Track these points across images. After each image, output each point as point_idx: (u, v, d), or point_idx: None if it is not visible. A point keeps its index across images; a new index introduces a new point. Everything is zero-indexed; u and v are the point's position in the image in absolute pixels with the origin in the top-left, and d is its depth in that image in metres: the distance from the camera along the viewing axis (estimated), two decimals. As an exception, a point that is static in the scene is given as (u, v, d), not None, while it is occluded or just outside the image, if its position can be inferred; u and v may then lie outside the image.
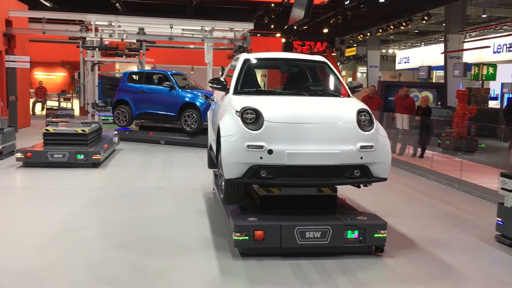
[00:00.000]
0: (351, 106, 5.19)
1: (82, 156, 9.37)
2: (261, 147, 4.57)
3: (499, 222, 5.66)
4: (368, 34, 26.84)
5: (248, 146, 4.58)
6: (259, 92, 5.74)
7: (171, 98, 12.84)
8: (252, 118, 4.73)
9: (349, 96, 5.76)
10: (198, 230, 5.71)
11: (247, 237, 4.67)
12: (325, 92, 5.91)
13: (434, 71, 29.19)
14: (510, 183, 5.46)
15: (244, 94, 5.47)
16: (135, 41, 16.29)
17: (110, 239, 5.34)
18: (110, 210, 6.56)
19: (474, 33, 24.44)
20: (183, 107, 12.60)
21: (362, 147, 4.73)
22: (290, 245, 4.76)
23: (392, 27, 23.49)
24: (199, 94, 12.62)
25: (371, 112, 5.03)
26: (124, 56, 16.94)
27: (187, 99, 12.61)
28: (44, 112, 20.00)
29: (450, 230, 6.14)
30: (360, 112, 4.96)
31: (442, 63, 22.98)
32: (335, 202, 5.47)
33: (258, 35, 28.10)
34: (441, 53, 23.05)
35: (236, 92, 5.58)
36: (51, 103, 21.40)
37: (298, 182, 4.77)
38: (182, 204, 6.96)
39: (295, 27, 27.44)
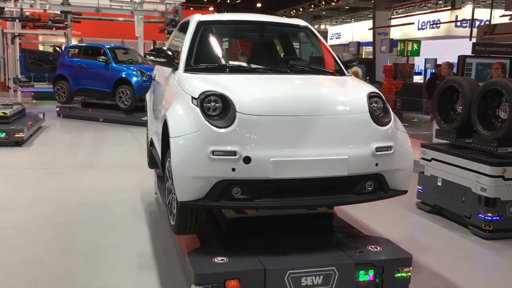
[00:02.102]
0: (356, 88, 3.81)
1: (3, 134, 8.86)
2: (234, 153, 3.09)
3: (419, 190, 6.03)
4: (301, 9, 27.13)
5: (213, 152, 3.09)
6: (221, 68, 4.07)
7: (106, 73, 12.43)
8: (218, 109, 3.24)
9: (343, 73, 4.29)
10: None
11: None
12: (315, 69, 4.35)
13: (364, 47, 30.11)
14: (429, 153, 5.82)
15: (201, 72, 3.89)
16: (59, 12, 15.43)
17: (36, 220, 5.13)
18: (36, 189, 6.29)
19: (401, 10, 25.36)
20: (117, 82, 12.19)
21: (378, 149, 3.36)
22: None
23: (323, 2, 23.87)
24: (134, 69, 12.23)
25: (383, 97, 3.69)
26: (54, 29, 16.02)
27: (121, 74, 12.19)
28: (-41, 88, 18.62)
29: (376, 199, 6.47)
30: (371, 97, 3.58)
31: (371, 39, 23.73)
32: (331, 222, 4.04)
33: (191, 8, 27.53)
34: (369, 29, 23.77)
35: (189, 69, 3.96)
36: (-32, 78, 19.94)
37: (289, 204, 3.32)
38: (114, 183, 6.81)
39: (228, 1, 27.18)
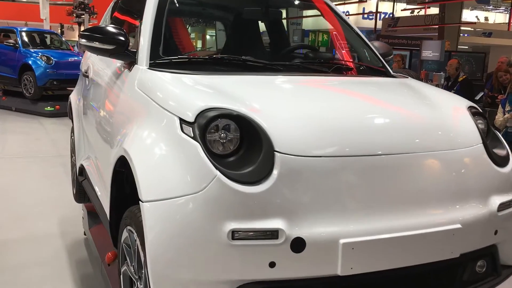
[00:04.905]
0: (447, 100, 2.45)
1: None
2: (274, 233, 1.68)
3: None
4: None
5: (234, 233, 1.67)
6: (216, 64, 2.59)
7: (13, 58, 11.65)
8: (233, 143, 1.79)
9: (389, 73, 2.86)
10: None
11: None
12: (360, 66, 2.90)
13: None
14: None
15: (180, 69, 2.30)
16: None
17: None
18: None
19: (312, 1, 26.23)
20: (23, 68, 11.44)
21: (502, 206, 2.07)
22: None
23: (238, -9, 24.01)
24: (39, 54, 11.54)
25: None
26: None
27: (26, 60, 11.44)
28: None
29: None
30: (473, 114, 2.29)
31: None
32: None
33: (101, -9, 26.45)
34: (283, 19, 24.33)
35: (158, 63, 2.38)
36: None
37: None
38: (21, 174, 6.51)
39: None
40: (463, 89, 7.36)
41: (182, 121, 1.84)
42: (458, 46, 17.63)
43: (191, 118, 1.81)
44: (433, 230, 1.86)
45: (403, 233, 1.80)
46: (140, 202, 1.80)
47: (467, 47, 23.77)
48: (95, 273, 3.36)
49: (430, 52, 12.13)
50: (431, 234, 1.85)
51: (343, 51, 3.11)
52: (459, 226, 1.90)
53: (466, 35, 24.98)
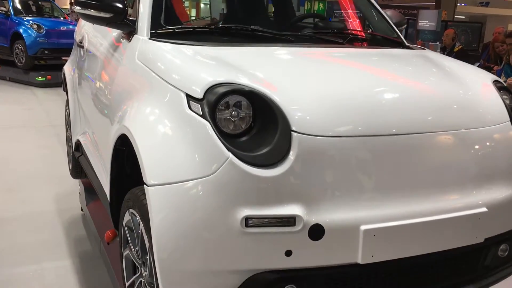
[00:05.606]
0: (470, 73, 2.31)
1: None
2: (290, 220, 1.56)
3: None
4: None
5: (247, 220, 1.55)
6: (222, 34, 2.40)
7: (5, 27, 11.41)
8: (246, 122, 1.64)
9: (403, 43, 2.74)
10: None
11: None
12: (374, 37, 2.80)
13: (270, 4, 30.23)
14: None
15: (183, 40, 2.13)
16: None
17: None
18: None
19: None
20: (13, 37, 11.24)
21: None
22: None
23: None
24: (30, 22, 11.29)
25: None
26: None
27: (17, 28, 11.22)
28: None
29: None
30: (499, 88, 2.19)
31: (279, -3, 23.91)
32: None
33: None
34: (279, -13, 23.89)
35: (160, 33, 2.23)
36: None
37: None
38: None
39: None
40: (458, 59, 7.32)
41: (189, 97, 1.69)
42: (455, 16, 17.43)
43: (199, 95, 1.66)
44: (458, 215, 1.77)
45: (427, 218, 1.71)
46: (144, 185, 1.67)
47: (463, 16, 23.53)
48: (94, 251, 3.29)
49: (426, 22, 12.02)
50: (456, 218, 1.76)
51: (353, 20, 2.99)
52: (485, 209, 1.82)
53: (463, 4, 24.70)
